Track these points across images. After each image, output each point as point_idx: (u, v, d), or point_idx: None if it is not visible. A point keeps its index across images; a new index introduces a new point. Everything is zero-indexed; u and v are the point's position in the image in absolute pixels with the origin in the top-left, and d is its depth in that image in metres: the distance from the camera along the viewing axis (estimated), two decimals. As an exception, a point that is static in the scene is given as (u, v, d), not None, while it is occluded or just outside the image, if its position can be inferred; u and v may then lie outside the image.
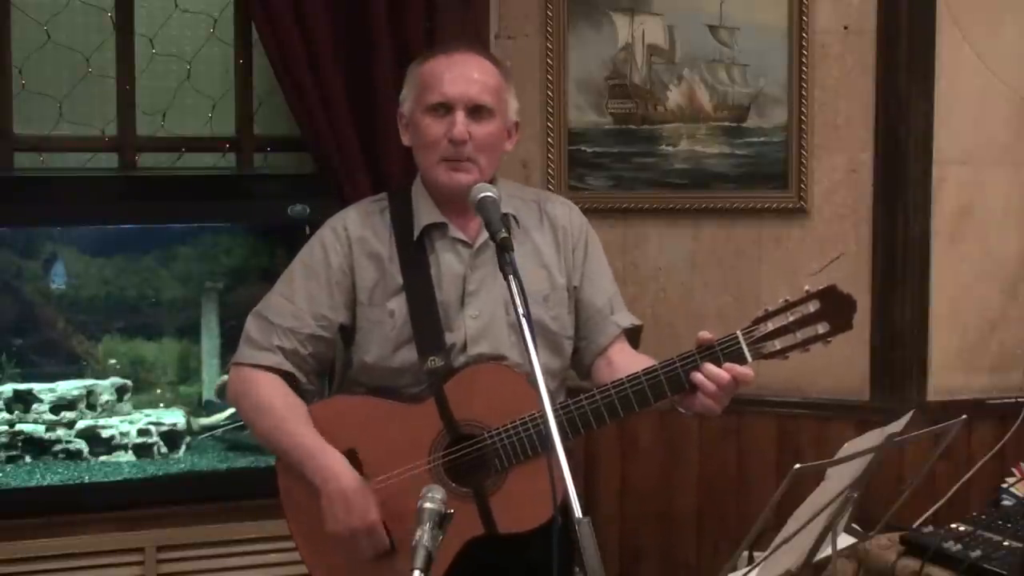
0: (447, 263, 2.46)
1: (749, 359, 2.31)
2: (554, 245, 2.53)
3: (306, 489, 2.44)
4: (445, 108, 2.41)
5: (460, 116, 2.40)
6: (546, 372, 2.43)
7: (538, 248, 2.51)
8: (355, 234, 2.50)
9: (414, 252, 2.47)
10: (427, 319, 2.42)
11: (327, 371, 2.58)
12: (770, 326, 2.30)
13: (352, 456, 2.43)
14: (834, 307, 2.30)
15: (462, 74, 2.42)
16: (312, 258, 2.52)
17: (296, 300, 2.49)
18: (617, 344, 2.54)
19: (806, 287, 2.32)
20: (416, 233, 2.47)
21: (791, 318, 2.30)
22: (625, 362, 2.47)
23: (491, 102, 2.43)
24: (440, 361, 2.40)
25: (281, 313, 2.50)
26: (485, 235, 2.43)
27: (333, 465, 2.40)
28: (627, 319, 2.57)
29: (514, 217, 2.50)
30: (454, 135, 2.39)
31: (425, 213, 2.48)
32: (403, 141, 2.53)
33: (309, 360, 2.50)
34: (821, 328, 2.30)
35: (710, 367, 2.30)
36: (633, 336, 2.59)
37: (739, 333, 2.31)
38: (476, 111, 2.42)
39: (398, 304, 2.45)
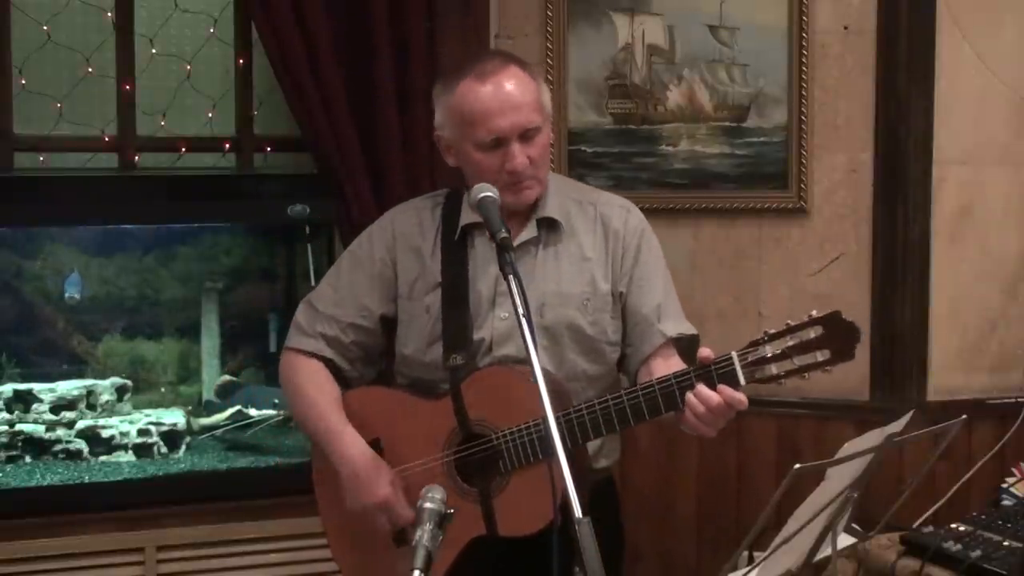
0: (484, 262, 2.48)
1: (742, 382, 2.24)
2: (604, 249, 2.51)
3: (333, 476, 2.51)
4: (498, 141, 2.38)
5: (516, 148, 2.37)
6: (584, 377, 2.46)
7: (584, 252, 2.50)
8: (400, 228, 2.55)
9: (455, 250, 2.50)
10: (457, 317, 2.45)
11: (377, 361, 2.63)
12: (768, 350, 2.23)
13: (375, 446, 2.49)
14: (837, 334, 2.21)
15: (507, 102, 2.37)
16: (359, 249, 2.59)
17: (340, 289, 2.57)
18: (661, 354, 2.49)
19: (813, 312, 2.23)
20: (457, 232, 2.50)
21: (791, 343, 2.22)
22: (660, 372, 2.40)
23: (539, 119, 2.41)
24: (461, 359, 2.42)
25: (325, 301, 2.57)
26: (524, 236, 2.46)
27: (347, 447, 2.48)
28: (674, 328, 2.51)
29: (561, 222, 2.48)
30: (516, 168, 2.37)
31: (467, 213, 2.49)
32: (448, 162, 2.51)
33: (352, 348, 2.56)
34: (821, 356, 2.21)
35: (702, 388, 2.24)
36: (689, 346, 2.51)
37: (734, 355, 2.25)
38: (526, 134, 2.39)
39: (434, 299, 2.48)
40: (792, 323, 2.24)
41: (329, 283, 2.61)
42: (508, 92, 2.39)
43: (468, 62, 2.49)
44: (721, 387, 2.24)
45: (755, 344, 2.25)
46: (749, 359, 2.24)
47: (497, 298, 2.46)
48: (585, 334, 2.47)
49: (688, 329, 2.54)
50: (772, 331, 2.25)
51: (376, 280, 2.54)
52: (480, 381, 2.41)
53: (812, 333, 2.22)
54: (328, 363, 2.56)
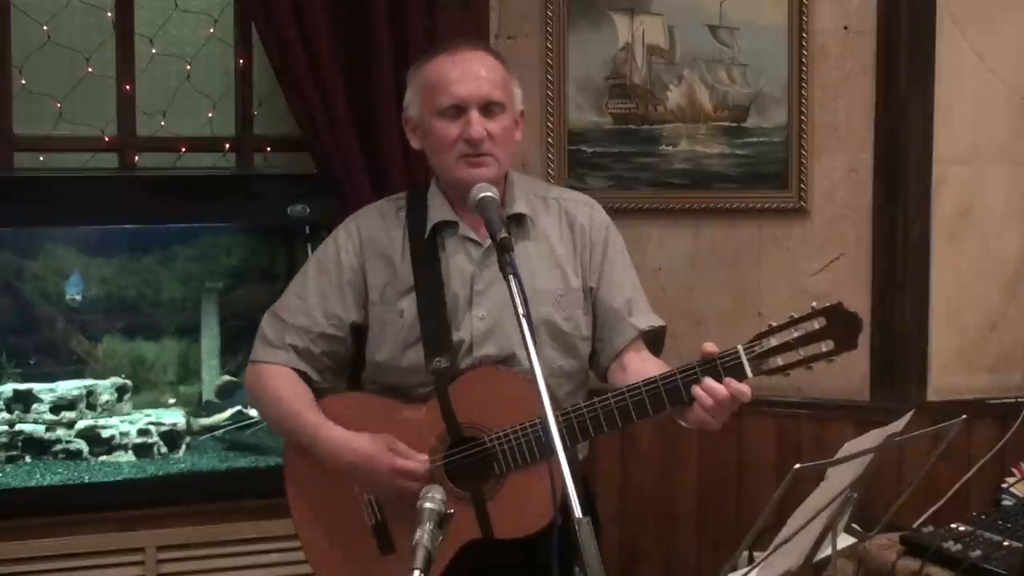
0: (456, 262, 2.46)
1: (749, 374, 2.27)
2: (571, 245, 2.51)
3: (312, 481, 2.47)
4: (458, 109, 2.39)
5: (475, 116, 2.38)
6: (560, 374, 2.44)
7: (554, 248, 2.50)
8: (367, 233, 2.51)
9: (425, 251, 2.47)
10: (434, 319, 2.42)
11: (345, 370, 2.59)
12: (773, 341, 2.26)
13: None
14: (839, 325, 2.26)
15: (469, 72, 2.40)
16: (326, 257, 2.54)
17: (308, 299, 2.51)
18: (633, 347, 2.50)
19: (813, 303, 2.27)
20: (427, 231, 2.47)
21: (795, 334, 2.26)
22: (638, 369, 2.43)
23: (502, 96, 2.42)
24: (445, 362, 2.40)
25: (294, 312, 2.52)
26: None
27: (335, 437, 2.43)
28: (645, 321, 2.52)
29: (529, 218, 2.49)
30: (472, 135, 2.38)
31: (437, 211, 2.48)
32: (412, 145, 2.52)
33: (323, 358, 2.52)
34: (825, 346, 2.26)
35: (709, 381, 2.26)
36: (656, 338, 2.55)
37: (740, 348, 2.27)
38: (488, 108, 2.40)
39: (408, 303, 2.45)
40: (795, 315, 2.27)
41: (295, 293, 2.54)
42: (473, 65, 2.42)
43: (438, 46, 2.52)
44: (727, 379, 2.25)
45: (760, 337, 2.27)
46: (755, 352, 2.27)
47: (473, 298, 2.44)
48: (561, 330, 2.46)
49: (656, 321, 2.55)
50: (775, 323, 2.27)
51: (346, 288, 2.50)
52: (469, 383, 2.39)
53: (815, 324, 2.26)
54: (299, 375, 2.51)
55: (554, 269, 2.49)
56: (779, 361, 2.27)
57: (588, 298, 2.51)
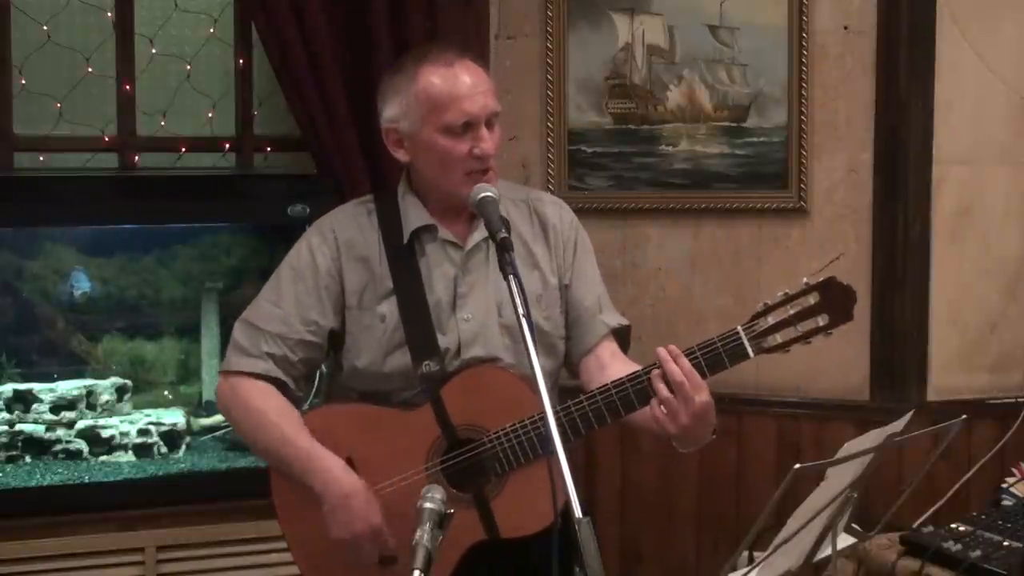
0: (438, 265, 2.44)
1: (751, 354, 2.28)
2: (545, 245, 2.51)
3: (303, 496, 2.41)
4: (467, 126, 2.35)
5: (485, 132, 2.36)
6: (542, 373, 2.43)
7: (530, 249, 2.49)
8: (343, 237, 2.47)
9: (404, 255, 2.44)
10: (419, 323, 2.40)
11: (314, 377, 2.55)
12: (770, 320, 2.28)
13: (349, 465, 2.39)
14: (834, 299, 2.28)
15: (476, 86, 2.36)
16: (300, 262, 2.47)
17: (284, 305, 2.45)
18: (606, 345, 2.51)
19: (805, 279, 2.30)
20: (406, 236, 2.44)
21: (791, 311, 2.28)
22: (617, 367, 2.44)
23: (499, 108, 2.41)
24: (435, 365, 2.37)
25: (269, 319, 2.44)
26: (476, 237, 2.43)
27: (332, 469, 2.36)
28: (615, 319, 2.54)
29: (506, 220, 2.45)
30: (485, 152, 2.35)
31: (414, 216, 2.45)
32: (398, 157, 2.45)
33: (299, 366, 2.45)
34: (822, 320, 2.28)
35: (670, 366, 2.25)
36: (622, 336, 2.56)
37: (740, 328, 2.29)
38: (489, 119, 2.38)
39: (389, 308, 2.42)
40: (789, 292, 2.29)
41: (269, 300, 2.46)
42: (475, 76, 2.38)
43: (418, 53, 2.47)
44: (670, 359, 2.25)
45: (757, 316, 2.29)
46: (755, 331, 2.28)
47: (457, 301, 2.42)
48: (542, 330, 2.44)
49: (624, 320, 2.57)
50: (770, 302, 2.29)
51: (323, 293, 2.44)
52: (462, 384, 2.37)
53: (810, 300, 2.29)
54: (276, 384, 2.43)
55: (532, 270, 2.48)
56: (778, 339, 2.29)
57: (563, 297, 2.51)
